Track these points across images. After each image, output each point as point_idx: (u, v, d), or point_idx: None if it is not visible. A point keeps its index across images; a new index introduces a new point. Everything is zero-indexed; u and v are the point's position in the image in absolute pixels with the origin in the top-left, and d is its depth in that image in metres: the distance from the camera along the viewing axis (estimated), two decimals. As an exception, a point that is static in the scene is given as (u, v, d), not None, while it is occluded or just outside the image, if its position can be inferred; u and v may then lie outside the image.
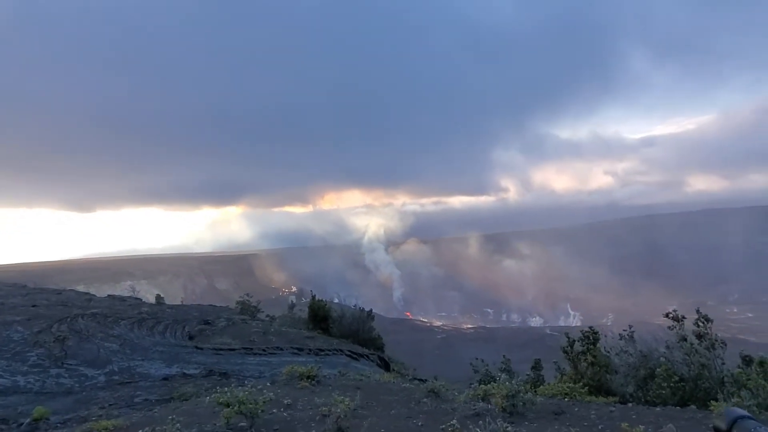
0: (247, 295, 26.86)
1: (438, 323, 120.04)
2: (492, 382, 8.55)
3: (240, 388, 8.07)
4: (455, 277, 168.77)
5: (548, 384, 11.45)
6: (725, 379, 9.04)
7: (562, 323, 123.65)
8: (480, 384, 9.88)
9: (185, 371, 13.64)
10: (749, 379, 7.76)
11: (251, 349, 17.12)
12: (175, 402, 9.83)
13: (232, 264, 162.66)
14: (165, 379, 12.76)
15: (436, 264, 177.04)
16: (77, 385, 11.87)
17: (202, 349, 16.34)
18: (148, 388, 11.76)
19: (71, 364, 12.93)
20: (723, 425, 1.51)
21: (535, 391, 9.87)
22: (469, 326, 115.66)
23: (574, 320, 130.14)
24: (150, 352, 15.09)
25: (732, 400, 7.25)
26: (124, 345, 15.18)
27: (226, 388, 7.51)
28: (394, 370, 20.46)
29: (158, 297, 27.42)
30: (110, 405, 10.18)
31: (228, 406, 6.86)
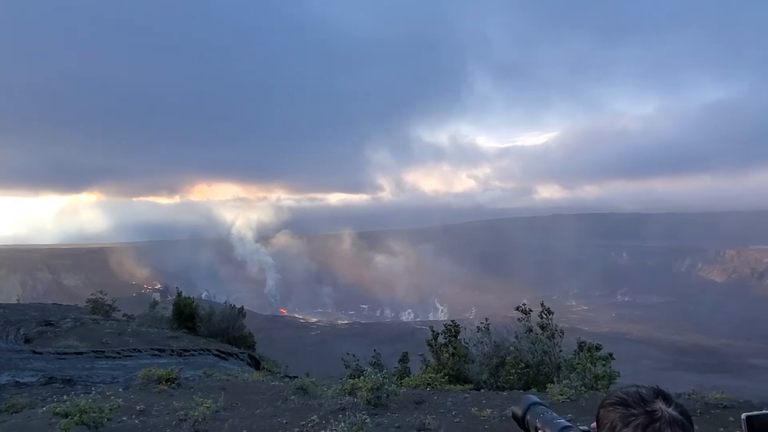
0: (101, 292, 24.43)
1: (313, 319, 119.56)
2: (361, 376, 8.77)
3: (84, 395, 7.28)
4: (330, 273, 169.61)
5: (413, 375, 12.07)
6: (561, 364, 10.32)
7: (431, 317, 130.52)
8: (349, 379, 10.09)
9: (18, 379, 11.97)
10: (578, 363, 8.95)
11: (103, 351, 15.57)
12: (3, 415, 8.56)
13: (83, 258, 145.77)
14: (-10, 389, 11.05)
15: (311, 259, 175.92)
16: None
17: (41, 353, 14.46)
18: (-33, 402, 10.08)
19: None
20: (519, 411, 1.71)
21: (401, 383, 10.34)
22: (345, 322, 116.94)
23: (442, 314, 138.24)
24: (-29, 360, 12.94)
25: (563, 382, 8.28)
26: (-64, 352, 12.83)
27: (65, 397, 6.72)
28: (264, 368, 19.99)
29: (-14, 295, 23.60)
30: None
31: (67, 416, 6.13)
